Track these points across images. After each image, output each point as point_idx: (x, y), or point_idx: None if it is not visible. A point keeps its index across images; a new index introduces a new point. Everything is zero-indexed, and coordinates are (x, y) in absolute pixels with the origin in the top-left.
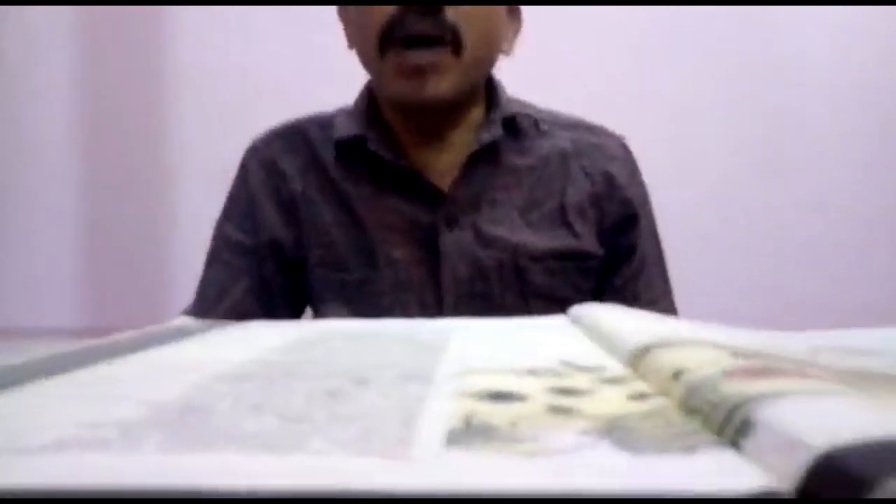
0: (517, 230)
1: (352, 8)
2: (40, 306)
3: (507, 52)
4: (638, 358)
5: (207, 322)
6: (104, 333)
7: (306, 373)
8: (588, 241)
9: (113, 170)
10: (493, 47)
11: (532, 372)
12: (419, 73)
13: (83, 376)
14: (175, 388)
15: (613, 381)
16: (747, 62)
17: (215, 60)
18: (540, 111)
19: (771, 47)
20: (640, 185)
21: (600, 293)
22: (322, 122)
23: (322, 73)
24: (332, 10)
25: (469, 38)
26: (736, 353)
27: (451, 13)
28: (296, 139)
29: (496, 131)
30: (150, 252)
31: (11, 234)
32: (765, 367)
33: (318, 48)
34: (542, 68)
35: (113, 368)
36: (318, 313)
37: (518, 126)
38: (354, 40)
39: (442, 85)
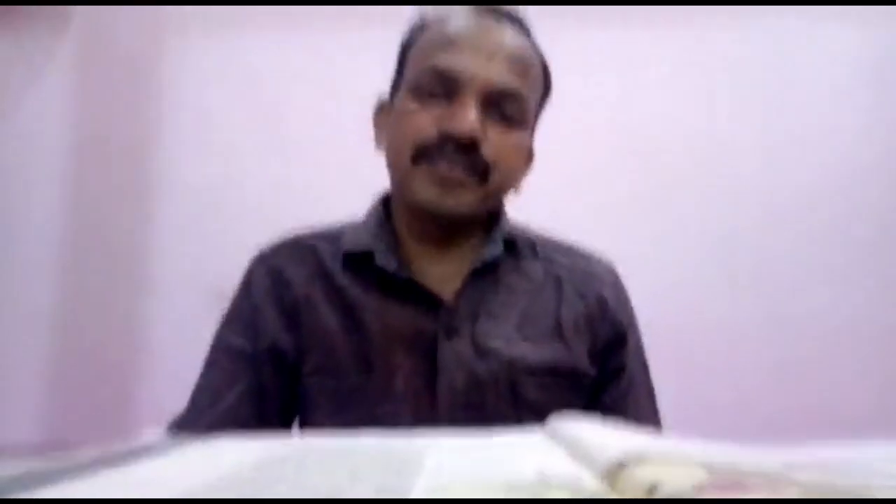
0: (513, 343)
1: (394, 122)
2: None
3: (517, 190)
4: (613, 472)
5: (179, 438)
6: (65, 448)
7: (278, 491)
8: (581, 360)
9: (88, 284)
10: (511, 185)
11: (508, 487)
12: (448, 183)
13: (50, 494)
14: None
15: (590, 496)
16: (724, 182)
17: (199, 182)
18: (536, 235)
19: (744, 167)
20: (629, 308)
21: (589, 412)
22: (329, 236)
23: (301, 194)
24: (311, 132)
25: (494, 174)
26: (709, 467)
27: (487, 151)
28: (303, 250)
29: (496, 249)
30: (119, 369)
31: None
32: (735, 482)
33: (297, 169)
34: (526, 189)
35: (78, 487)
36: (308, 422)
37: (516, 247)
38: (390, 149)
39: (465, 199)
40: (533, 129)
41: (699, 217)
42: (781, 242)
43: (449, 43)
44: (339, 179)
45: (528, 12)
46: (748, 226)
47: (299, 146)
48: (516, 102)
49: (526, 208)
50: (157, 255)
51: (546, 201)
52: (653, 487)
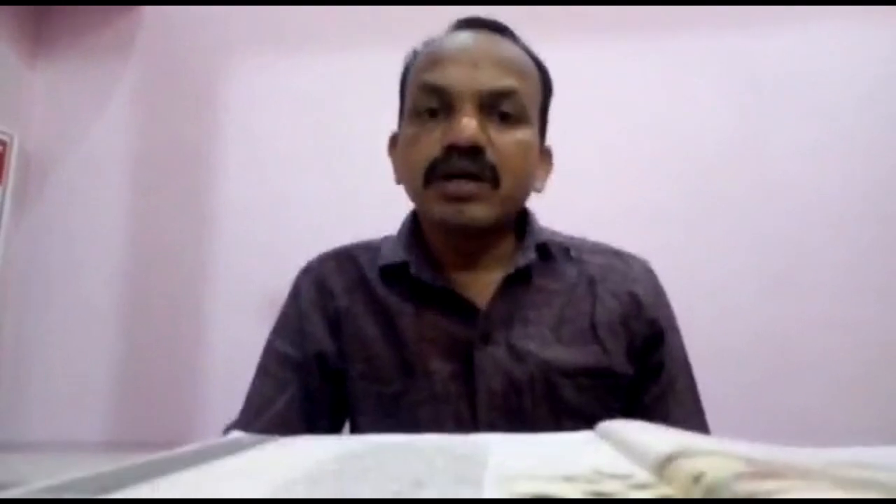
0: (548, 346)
1: (401, 149)
2: (70, 421)
3: (539, 190)
4: (663, 465)
5: (260, 436)
6: (134, 448)
7: (367, 478)
8: (618, 360)
9: (153, 293)
10: (527, 184)
11: (568, 479)
12: (460, 199)
13: (161, 486)
14: (257, 490)
15: (642, 486)
16: (758, 187)
17: (252, 199)
18: (569, 239)
19: (778, 172)
20: (666, 306)
21: (630, 412)
22: (369, 247)
23: (349, 208)
24: (361, 152)
25: (505, 176)
26: (748, 460)
27: (491, 154)
28: (345, 261)
29: (530, 256)
30: (182, 372)
31: (50, 347)
32: (772, 472)
33: (345, 185)
34: (551, 189)
35: (183, 478)
36: (356, 425)
37: (549, 252)
38: (403, 175)
39: (480, 211)
40: (543, 129)
41: (737, 220)
42: (818, 249)
43: (436, 60)
44: (386, 194)
45: (566, 19)
46: (786, 231)
47: (347, 164)
48: (513, 100)
49: (562, 213)
50: (215, 266)
51: (583, 205)
52: (698, 476)
